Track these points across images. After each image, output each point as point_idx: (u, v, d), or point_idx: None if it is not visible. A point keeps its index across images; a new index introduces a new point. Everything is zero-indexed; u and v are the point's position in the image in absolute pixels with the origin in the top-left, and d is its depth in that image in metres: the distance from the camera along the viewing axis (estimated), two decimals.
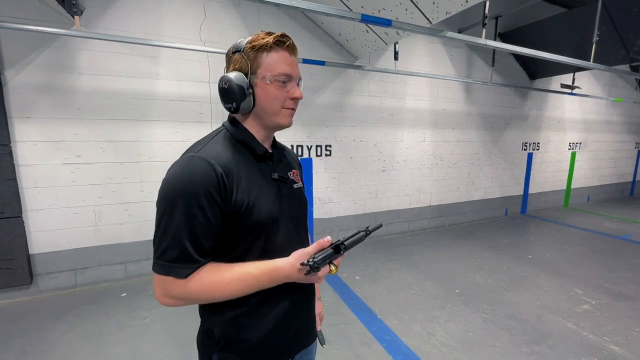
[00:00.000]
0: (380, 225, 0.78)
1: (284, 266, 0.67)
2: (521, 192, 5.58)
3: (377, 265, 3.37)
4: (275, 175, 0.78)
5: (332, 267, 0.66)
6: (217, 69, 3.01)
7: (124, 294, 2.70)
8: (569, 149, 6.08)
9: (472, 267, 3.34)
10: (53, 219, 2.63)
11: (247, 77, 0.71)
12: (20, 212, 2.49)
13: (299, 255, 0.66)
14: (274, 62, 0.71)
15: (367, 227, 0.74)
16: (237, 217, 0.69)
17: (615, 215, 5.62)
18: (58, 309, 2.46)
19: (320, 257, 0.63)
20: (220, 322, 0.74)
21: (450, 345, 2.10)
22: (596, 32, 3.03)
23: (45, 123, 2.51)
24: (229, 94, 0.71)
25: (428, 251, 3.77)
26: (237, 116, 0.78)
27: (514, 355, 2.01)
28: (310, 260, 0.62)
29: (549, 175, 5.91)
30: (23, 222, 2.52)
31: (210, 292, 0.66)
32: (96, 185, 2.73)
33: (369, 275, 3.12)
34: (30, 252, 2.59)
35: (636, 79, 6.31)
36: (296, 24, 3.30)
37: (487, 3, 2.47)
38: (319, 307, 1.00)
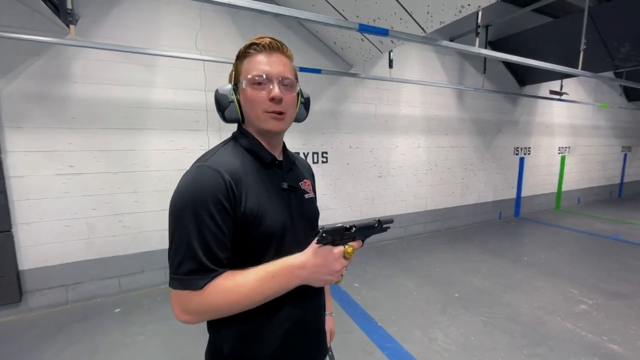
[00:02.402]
0: (392, 221, 0.71)
1: (298, 256, 0.66)
2: (514, 196, 5.67)
3: (375, 271, 3.36)
4: (285, 185, 0.77)
5: (348, 248, 0.64)
6: (213, 77, 3.00)
7: (118, 309, 2.62)
8: (559, 153, 6.23)
9: (469, 270, 3.36)
10: (44, 233, 2.55)
11: (233, 86, 0.74)
12: (10, 226, 2.41)
13: (312, 244, 0.66)
14: (250, 66, 0.71)
15: (378, 219, 0.70)
16: (246, 227, 0.68)
17: (605, 216, 5.75)
18: (49, 327, 2.37)
19: (330, 228, 0.62)
20: (230, 337, 0.72)
21: (452, 350, 2.09)
22: (583, 40, 3.14)
23: (38, 133, 2.46)
24: (217, 104, 0.76)
25: (425, 256, 3.78)
26: (243, 125, 0.79)
27: (516, 358, 2.01)
28: (320, 229, 0.62)
29: (541, 179, 6.03)
30: (12, 236, 2.44)
31: (226, 298, 0.64)
32: (89, 196, 2.67)
33: (368, 282, 3.11)
34: (20, 268, 2.50)
35: (620, 85, 6.53)
36: (291, 33, 3.33)
37: (480, 13, 2.55)
38: (329, 324, 0.97)
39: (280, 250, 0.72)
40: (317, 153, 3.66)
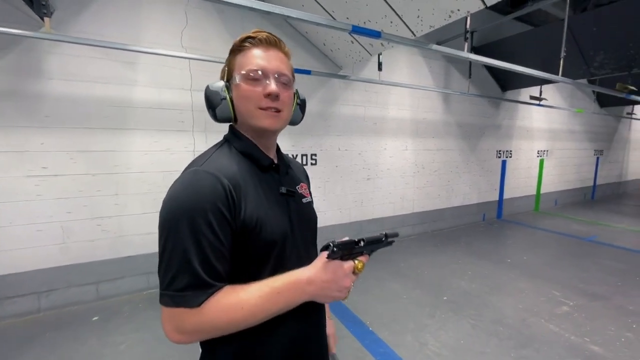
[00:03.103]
0: (397, 234, 0.69)
1: (305, 271, 0.62)
2: (497, 198, 5.82)
3: (364, 274, 3.35)
4: (283, 190, 0.73)
5: (358, 264, 0.62)
6: (199, 76, 2.91)
7: (96, 318, 2.48)
8: (538, 156, 6.45)
9: (456, 272, 3.41)
10: (13, 238, 2.39)
11: (226, 83, 0.70)
12: None
13: (320, 257, 0.62)
14: (244, 60, 0.67)
15: (385, 232, 0.67)
16: (245, 236, 0.63)
17: (581, 218, 6.00)
18: (19, 337, 2.22)
19: (339, 242, 0.58)
20: (227, 356, 0.67)
21: (443, 355, 2.10)
22: (563, 48, 3.25)
23: (7, 132, 2.29)
24: (207, 102, 0.71)
25: (413, 258, 3.81)
26: (236, 126, 0.75)
27: None
28: (330, 243, 0.58)
29: (521, 181, 6.23)
30: None
31: (227, 315, 0.58)
32: (65, 199, 2.52)
33: (358, 286, 3.09)
34: None
35: (594, 92, 6.85)
36: (280, 33, 3.27)
37: (468, 18, 2.58)
38: (331, 328, 0.93)
39: (282, 258, 0.68)
40: (306, 155, 3.62)
